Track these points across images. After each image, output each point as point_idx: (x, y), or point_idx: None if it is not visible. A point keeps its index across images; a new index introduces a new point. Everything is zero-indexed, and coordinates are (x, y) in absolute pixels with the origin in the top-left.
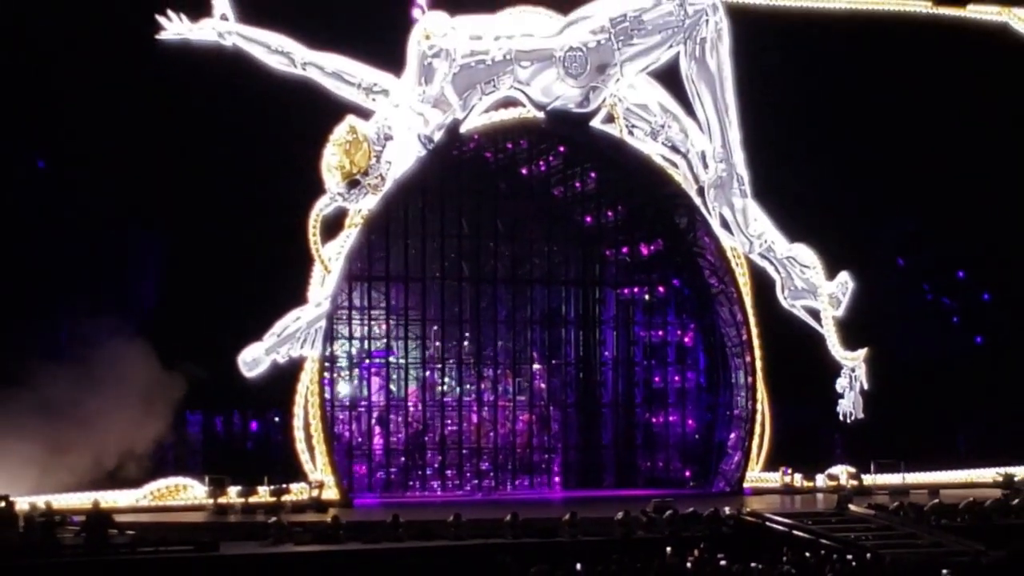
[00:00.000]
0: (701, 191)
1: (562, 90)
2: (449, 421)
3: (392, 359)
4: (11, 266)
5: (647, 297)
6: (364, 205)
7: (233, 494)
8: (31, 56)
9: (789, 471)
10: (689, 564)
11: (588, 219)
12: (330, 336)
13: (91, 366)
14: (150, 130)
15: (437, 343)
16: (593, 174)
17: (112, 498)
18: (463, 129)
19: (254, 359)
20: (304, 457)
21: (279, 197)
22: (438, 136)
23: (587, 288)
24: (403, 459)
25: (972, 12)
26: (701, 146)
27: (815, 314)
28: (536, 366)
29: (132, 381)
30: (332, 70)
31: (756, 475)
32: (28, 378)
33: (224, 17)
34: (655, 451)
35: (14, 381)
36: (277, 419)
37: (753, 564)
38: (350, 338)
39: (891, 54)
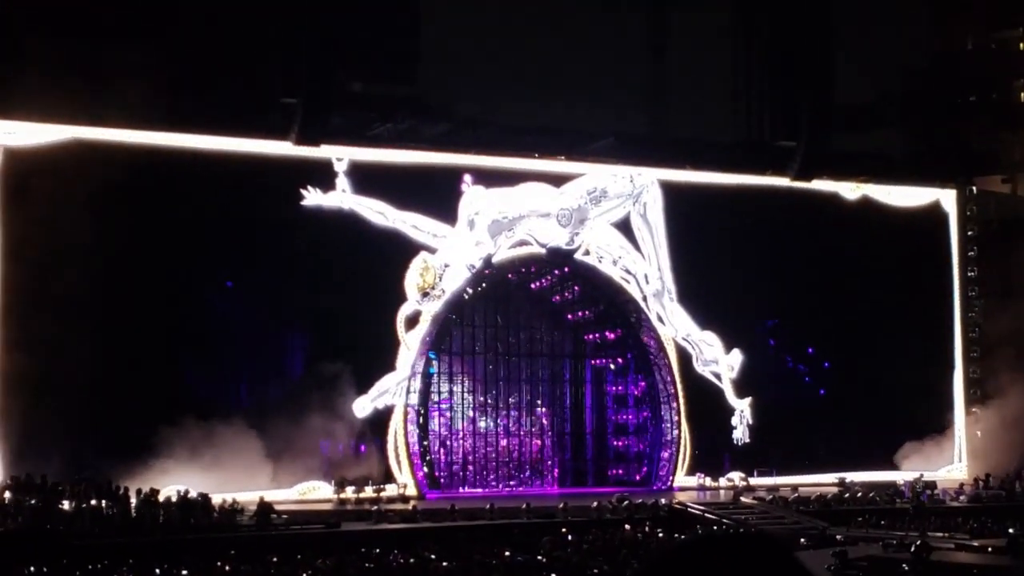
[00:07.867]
0: (644, 299)
1: (557, 235)
2: (487, 444)
3: (449, 405)
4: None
5: (612, 366)
6: (432, 308)
7: (350, 492)
8: (226, 212)
9: (702, 476)
10: (639, 536)
11: (572, 316)
12: (410, 390)
13: (269, 413)
14: (298, 262)
15: (479, 395)
16: (577, 287)
17: (272, 495)
18: (494, 260)
19: (363, 406)
20: (394, 468)
21: (380, 303)
22: (478, 264)
23: (575, 360)
24: (457, 468)
25: (815, 185)
26: (644, 270)
27: (718, 376)
28: (542, 409)
29: (300, 421)
30: (411, 223)
31: (681, 479)
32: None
33: (343, 190)
34: (619, 463)
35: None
36: (377, 444)
37: (677, 535)
38: (423, 391)
39: (763, 214)
